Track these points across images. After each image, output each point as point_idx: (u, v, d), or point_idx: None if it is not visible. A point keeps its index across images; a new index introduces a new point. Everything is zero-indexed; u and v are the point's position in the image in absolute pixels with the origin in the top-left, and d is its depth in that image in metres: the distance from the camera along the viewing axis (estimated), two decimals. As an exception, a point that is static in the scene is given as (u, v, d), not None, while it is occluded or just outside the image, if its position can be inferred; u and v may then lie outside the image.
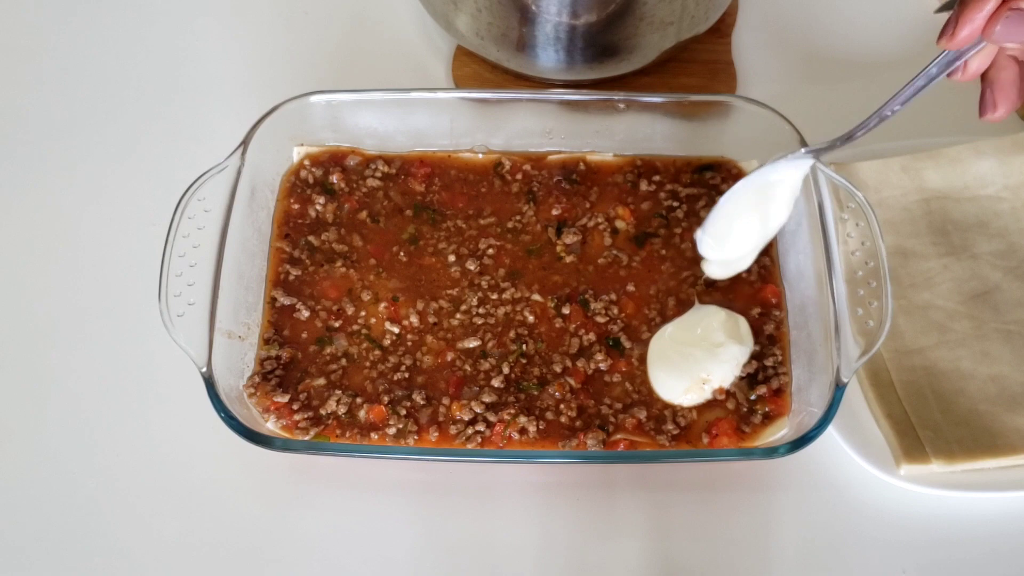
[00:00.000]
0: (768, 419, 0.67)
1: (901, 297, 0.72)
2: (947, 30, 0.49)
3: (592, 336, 0.70)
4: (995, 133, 0.79)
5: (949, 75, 0.51)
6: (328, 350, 0.70)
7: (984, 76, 0.51)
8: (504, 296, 0.72)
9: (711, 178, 0.78)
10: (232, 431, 0.61)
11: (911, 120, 0.84)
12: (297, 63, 0.90)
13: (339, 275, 0.74)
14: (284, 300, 0.72)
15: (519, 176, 0.78)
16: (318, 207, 0.76)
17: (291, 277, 0.73)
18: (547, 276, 0.74)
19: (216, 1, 0.95)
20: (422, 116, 0.77)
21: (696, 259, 0.74)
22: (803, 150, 0.65)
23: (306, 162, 0.78)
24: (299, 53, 0.91)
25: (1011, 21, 0.48)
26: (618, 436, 0.66)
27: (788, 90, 0.87)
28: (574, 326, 0.71)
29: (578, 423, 0.67)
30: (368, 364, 0.70)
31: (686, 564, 0.66)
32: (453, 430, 0.66)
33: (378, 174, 0.78)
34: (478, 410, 0.67)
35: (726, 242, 0.66)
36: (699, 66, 0.86)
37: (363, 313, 0.72)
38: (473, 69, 0.87)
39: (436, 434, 0.67)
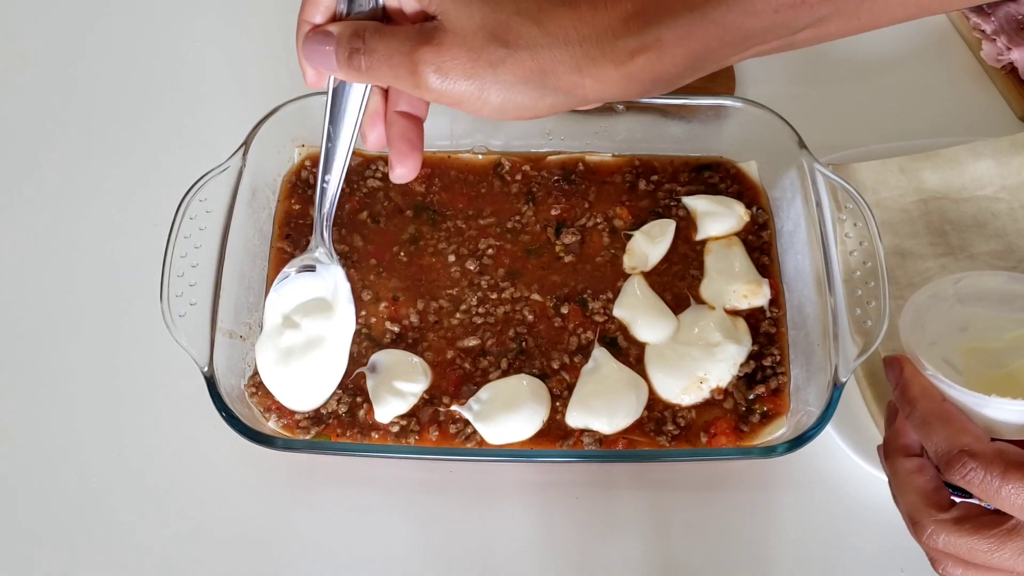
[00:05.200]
0: (766, 418, 0.67)
1: (899, 297, 0.72)
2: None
3: (590, 335, 0.71)
4: (993, 134, 0.79)
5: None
6: (329, 350, 0.71)
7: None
8: (504, 296, 0.73)
9: (709, 177, 0.78)
10: (233, 430, 0.62)
11: (909, 121, 0.85)
12: (298, 64, 0.90)
13: (339, 275, 0.74)
14: (285, 300, 0.72)
15: (518, 176, 0.78)
16: (319, 207, 0.76)
17: (292, 277, 0.73)
18: (546, 276, 0.74)
19: (218, 2, 0.95)
20: (422, 117, 0.77)
21: (694, 256, 0.74)
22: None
23: (307, 163, 0.78)
24: (300, 54, 0.91)
25: (309, 41, 0.47)
26: (616, 435, 0.67)
27: (787, 91, 0.87)
28: (572, 325, 0.71)
29: (577, 422, 0.67)
30: (368, 364, 0.70)
31: (686, 563, 0.66)
32: (453, 429, 0.67)
33: (378, 174, 0.78)
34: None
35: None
36: (698, 67, 0.86)
37: (363, 312, 0.72)
38: (473, 70, 0.87)
39: (436, 433, 0.67)
